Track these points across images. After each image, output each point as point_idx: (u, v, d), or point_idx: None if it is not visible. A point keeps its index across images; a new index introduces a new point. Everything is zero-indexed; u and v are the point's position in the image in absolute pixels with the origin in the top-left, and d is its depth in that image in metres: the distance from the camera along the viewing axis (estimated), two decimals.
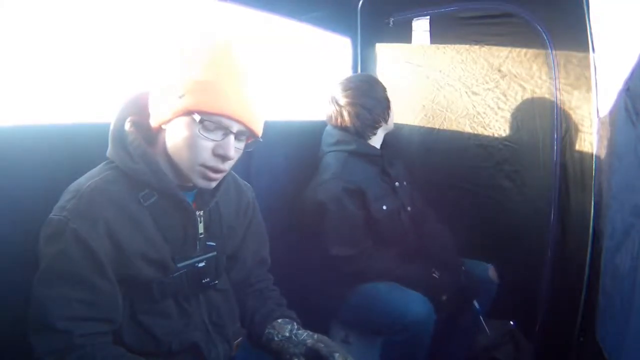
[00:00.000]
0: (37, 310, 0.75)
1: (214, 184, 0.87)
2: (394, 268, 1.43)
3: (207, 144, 0.80)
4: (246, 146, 0.88)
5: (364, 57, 2.03)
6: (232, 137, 0.81)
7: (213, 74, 0.78)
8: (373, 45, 2.02)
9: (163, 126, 0.83)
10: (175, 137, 0.81)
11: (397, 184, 1.55)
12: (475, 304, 1.50)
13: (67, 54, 1.01)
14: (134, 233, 0.81)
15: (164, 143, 0.84)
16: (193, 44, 0.81)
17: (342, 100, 1.49)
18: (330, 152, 1.50)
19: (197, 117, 0.77)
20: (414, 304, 1.32)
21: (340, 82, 1.53)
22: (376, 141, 1.55)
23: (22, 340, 0.77)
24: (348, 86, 1.50)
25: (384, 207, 1.45)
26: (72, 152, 0.94)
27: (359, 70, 2.04)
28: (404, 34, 1.93)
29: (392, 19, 1.93)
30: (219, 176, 0.86)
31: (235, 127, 0.81)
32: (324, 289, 1.45)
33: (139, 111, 0.87)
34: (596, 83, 1.51)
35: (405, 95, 1.94)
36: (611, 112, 1.25)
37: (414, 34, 1.90)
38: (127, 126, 0.85)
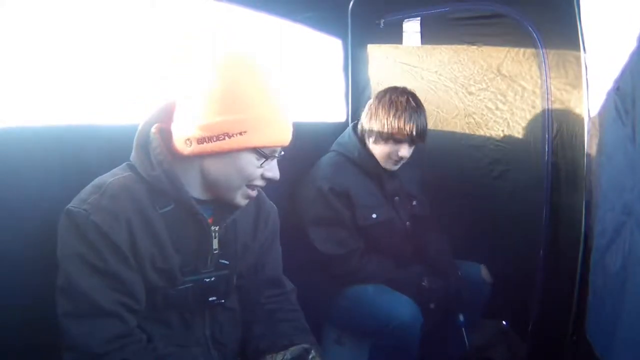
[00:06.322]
0: (82, 299, 0.74)
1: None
2: (384, 271, 1.44)
3: (258, 170, 0.86)
4: None
5: (354, 58, 2.03)
6: (276, 159, 0.89)
7: (266, 107, 0.82)
8: (364, 47, 2.02)
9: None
10: (226, 166, 0.84)
11: (396, 198, 1.54)
12: (460, 317, 1.49)
13: (64, 54, 1.00)
14: (147, 237, 0.81)
15: (200, 164, 0.85)
16: (233, 79, 0.81)
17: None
18: (333, 150, 1.52)
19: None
20: (401, 307, 1.32)
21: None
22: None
23: (22, 344, 0.77)
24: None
25: (374, 216, 1.45)
26: (70, 153, 0.93)
27: (350, 71, 2.03)
28: (395, 35, 1.92)
29: (383, 20, 1.92)
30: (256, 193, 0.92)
31: (280, 149, 0.89)
32: (316, 289, 1.44)
33: (167, 119, 0.88)
34: (587, 83, 1.51)
35: None
36: (601, 112, 1.25)
37: (404, 35, 1.90)
38: (153, 132, 0.86)
